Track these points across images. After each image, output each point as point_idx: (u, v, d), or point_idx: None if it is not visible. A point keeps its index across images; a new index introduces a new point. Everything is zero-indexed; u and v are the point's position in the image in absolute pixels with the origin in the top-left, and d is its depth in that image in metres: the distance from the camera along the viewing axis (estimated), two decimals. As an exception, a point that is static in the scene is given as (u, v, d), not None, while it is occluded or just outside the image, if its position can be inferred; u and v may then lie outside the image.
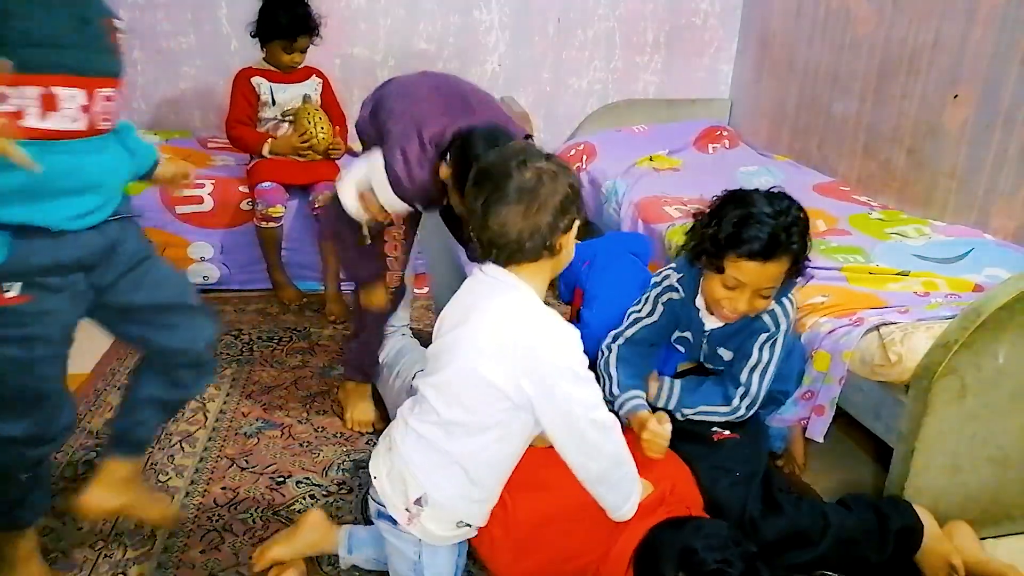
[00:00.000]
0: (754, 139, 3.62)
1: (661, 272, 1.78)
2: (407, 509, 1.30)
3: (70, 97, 1.19)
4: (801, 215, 1.53)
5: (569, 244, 1.29)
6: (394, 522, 1.33)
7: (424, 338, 2.28)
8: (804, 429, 1.86)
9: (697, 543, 1.33)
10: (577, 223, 1.28)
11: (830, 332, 1.80)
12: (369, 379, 2.13)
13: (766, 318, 1.64)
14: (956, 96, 2.49)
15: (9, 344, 1.25)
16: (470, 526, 1.36)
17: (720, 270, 1.53)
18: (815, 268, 2.11)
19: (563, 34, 3.60)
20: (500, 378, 1.23)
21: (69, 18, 1.18)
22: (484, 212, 1.23)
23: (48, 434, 1.38)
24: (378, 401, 2.15)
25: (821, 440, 1.81)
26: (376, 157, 1.80)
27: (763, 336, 1.65)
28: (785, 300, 1.65)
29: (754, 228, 1.46)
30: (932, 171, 2.61)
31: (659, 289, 1.76)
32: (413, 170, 1.74)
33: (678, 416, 1.72)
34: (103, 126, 1.28)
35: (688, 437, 1.67)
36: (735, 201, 1.53)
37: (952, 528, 1.65)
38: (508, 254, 1.25)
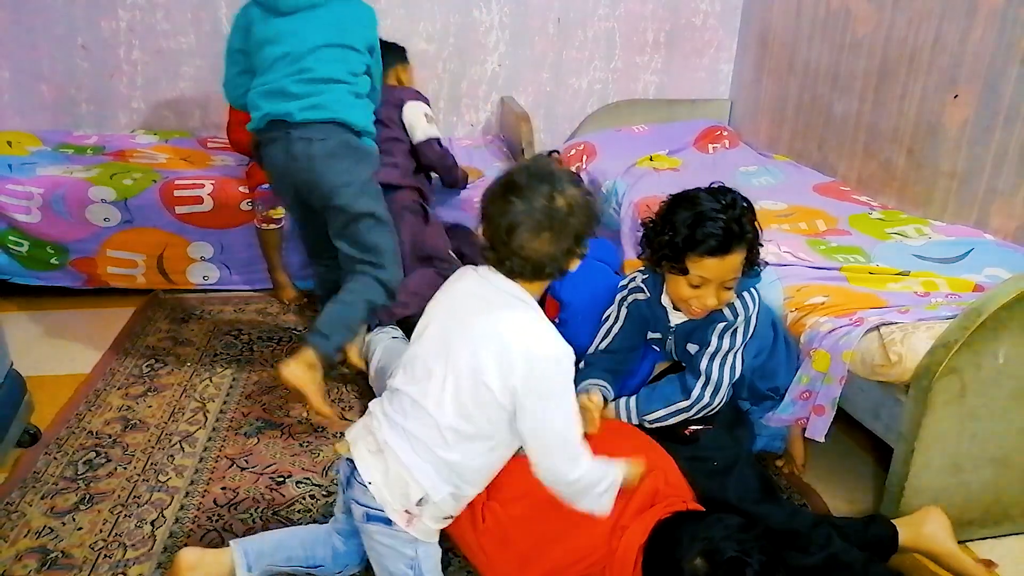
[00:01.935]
0: (754, 139, 3.62)
1: (626, 277, 1.84)
2: (407, 511, 1.30)
3: None
4: (746, 204, 1.60)
5: (573, 267, 1.32)
6: (387, 523, 1.31)
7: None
8: (803, 429, 1.86)
9: (716, 533, 1.34)
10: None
11: (830, 332, 1.80)
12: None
13: (726, 311, 1.68)
14: (956, 96, 2.49)
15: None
16: (451, 517, 1.39)
17: (684, 271, 1.58)
18: (815, 268, 2.13)
19: (563, 34, 3.60)
20: (502, 391, 1.25)
21: None
22: (511, 229, 1.24)
23: None
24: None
25: (822, 440, 1.81)
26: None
27: (721, 325, 1.69)
28: (746, 293, 1.69)
29: (707, 226, 1.53)
30: (932, 171, 2.62)
31: (624, 292, 1.83)
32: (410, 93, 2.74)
33: (646, 426, 1.76)
34: None
35: (662, 436, 1.69)
36: (683, 204, 1.60)
37: (926, 515, 1.65)
38: (523, 272, 1.28)
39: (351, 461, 1.35)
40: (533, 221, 1.23)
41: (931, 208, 2.62)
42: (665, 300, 1.75)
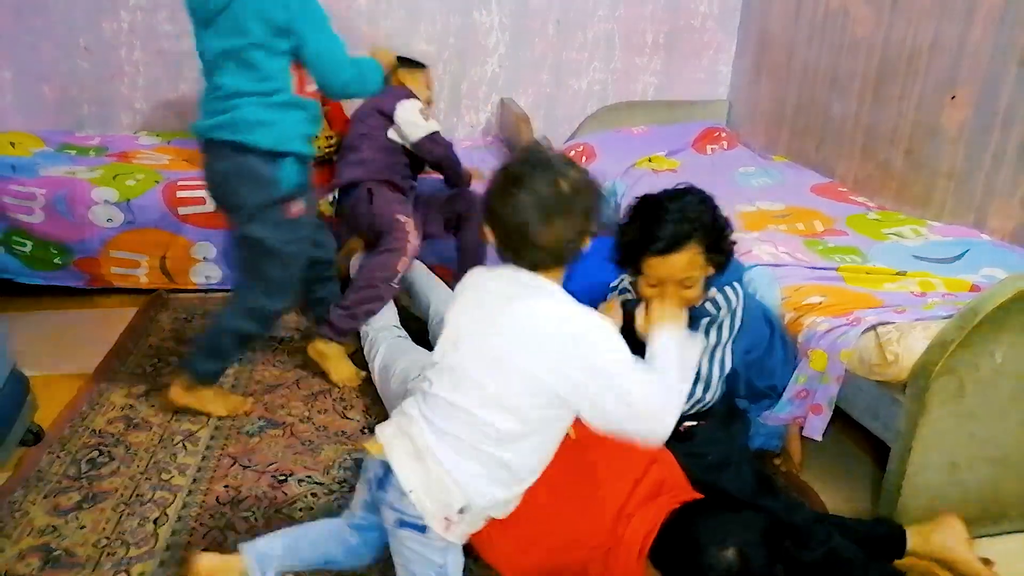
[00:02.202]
0: (752, 140, 3.63)
1: (619, 277, 1.85)
2: (446, 518, 1.28)
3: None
4: (701, 203, 1.61)
5: (587, 246, 1.33)
6: (422, 530, 1.29)
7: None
8: (801, 428, 1.87)
9: (752, 535, 1.36)
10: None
11: (827, 332, 1.81)
12: (344, 342, 2.39)
13: (709, 306, 1.70)
14: (954, 97, 2.51)
15: (297, 243, 2.01)
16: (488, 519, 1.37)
17: (640, 271, 1.61)
18: (813, 268, 2.14)
19: (563, 35, 3.61)
20: (555, 378, 1.24)
21: None
22: (523, 223, 1.24)
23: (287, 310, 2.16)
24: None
25: (820, 439, 1.82)
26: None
27: (705, 320, 1.70)
28: (728, 288, 1.70)
29: (656, 226, 1.55)
30: (930, 172, 2.63)
31: (615, 293, 1.84)
32: (404, 92, 2.66)
33: None
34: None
35: None
36: (641, 206, 1.63)
37: (939, 522, 1.66)
38: (544, 262, 1.28)
39: (385, 464, 1.30)
40: (543, 210, 1.24)
41: (928, 209, 2.63)
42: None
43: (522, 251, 1.27)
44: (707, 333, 1.70)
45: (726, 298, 1.69)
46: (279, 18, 1.82)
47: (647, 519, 1.44)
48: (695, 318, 1.71)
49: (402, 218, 2.43)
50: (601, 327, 1.25)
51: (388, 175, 2.58)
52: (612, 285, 1.86)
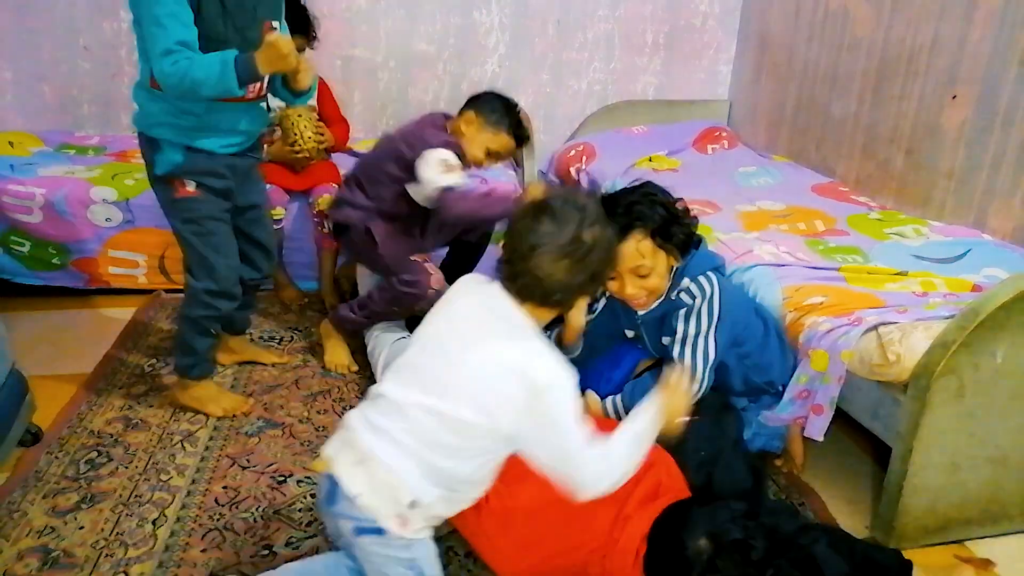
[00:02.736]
0: (753, 140, 3.63)
1: None
2: (399, 515, 1.28)
3: None
4: (648, 196, 1.66)
5: (581, 304, 1.33)
6: (380, 532, 1.29)
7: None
8: (802, 429, 1.87)
9: (722, 517, 1.36)
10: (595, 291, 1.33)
11: (828, 332, 1.81)
12: (351, 336, 2.42)
13: (684, 296, 1.73)
14: (954, 97, 2.50)
15: (196, 223, 1.95)
16: (442, 518, 1.38)
17: None
18: (814, 268, 2.14)
19: (563, 35, 3.61)
20: (504, 418, 1.25)
21: (232, 27, 1.80)
22: (533, 247, 1.25)
23: (224, 291, 2.02)
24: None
25: (821, 439, 1.81)
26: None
27: (683, 311, 1.72)
28: (701, 277, 1.73)
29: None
30: (930, 171, 2.62)
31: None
32: (445, 142, 2.17)
33: None
34: (252, 96, 1.89)
35: None
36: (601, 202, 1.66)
37: None
38: (533, 294, 1.28)
39: (331, 477, 1.31)
40: (556, 246, 1.25)
41: (929, 208, 2.62)
42: None
43: (519, 274, 1.27)
44: (686, 322, 1.71)
45: (700, 287, 1.72)
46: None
47: (643, 522, 1.44)
48: (674, 309, 1.72)
49: (418, 257, 2.27)
50: (564, 386, 1.25)
51: (391, 208, 2.26)
52: None
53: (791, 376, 1.87)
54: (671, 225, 1.67)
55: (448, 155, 2.12)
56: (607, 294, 1.85)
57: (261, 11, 1.88)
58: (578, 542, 1.45)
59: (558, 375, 1.25)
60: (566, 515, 1.44)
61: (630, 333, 1.88)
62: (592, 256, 1.27)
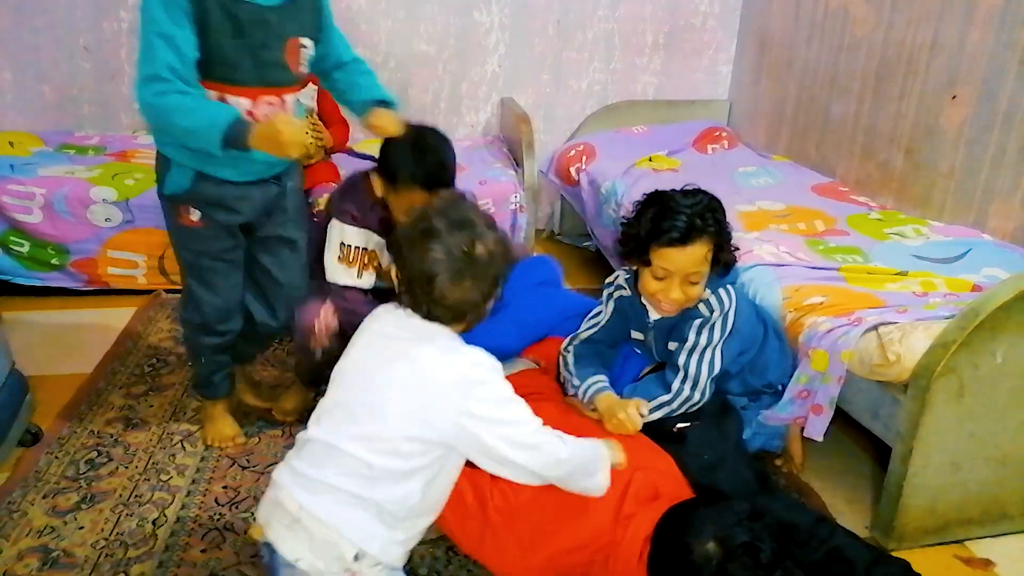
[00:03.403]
0: (753, 140, 3.63)
1: (614, 274, 1.87)
2: (347, 570, 1.23)
3: (237, 103, 1.61)
4: (714, 203, 1.65)
5: (488, 309, 1.32)
6: None
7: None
8: (802, 428, 1.87)
9: (729, 519, 1.35)
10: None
11: (828, 332, 1.81)
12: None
13: (702, 307, 1.71)
14: (954, 96, 2.50)
15: (192, 255, 1.81)
16: (399, 561, 1.33)
17: (647, 263, 1.64)
18: (814, 268, 2.13)
19: (563, 35, 3.61)
20: (439, 424, 1.23)
21: (244, 47, 1.58)
22: (431, 278, 1.22)
23: (207, 325, 1.89)
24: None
25: (821, 439, 1.81)
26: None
27: (698, 321, 1.71)
28: (721, 290, 1.71)
29: (670, 218, 1.59)
30: (930, 171, 2.62)
31: (611, 288, 1.86)
32: (358, 210, 1.92)
33: None
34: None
35: (650, 435, 1.69)
36: (652, 200, 1.66)
37: None
38: (442, 318, 1.27)
39: (268, 545, 1.26)
40: (454, 269, 1.22)
41: (929, 208, 2.62)
42: (645, 298, 1.78)
43: (421, 302, 1.26)
44: (698, 333, 1.70)
45: (719, 300, 1.70)
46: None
47: (646, 522, 1.43)
48: (689, 318, 1.71)
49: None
50: (492, 375, 1.25)
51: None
52: (608, 281, 1.87)
53: (790, 377, 1.87)
54: (726, 243, 1.67)
55: (351, 235, 1.91)
56: (614, 297, 1.84)
57: (288, 26, 1.63)
58: (581, 541, 1.45)
59: (483, 365, 1.25)
60: (568, 515, 1.44)
61: (637, 335, 1.87)
62: (491, 267, 1.26)
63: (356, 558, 1.22)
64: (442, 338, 1.28)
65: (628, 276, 1.81)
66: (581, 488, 1.38)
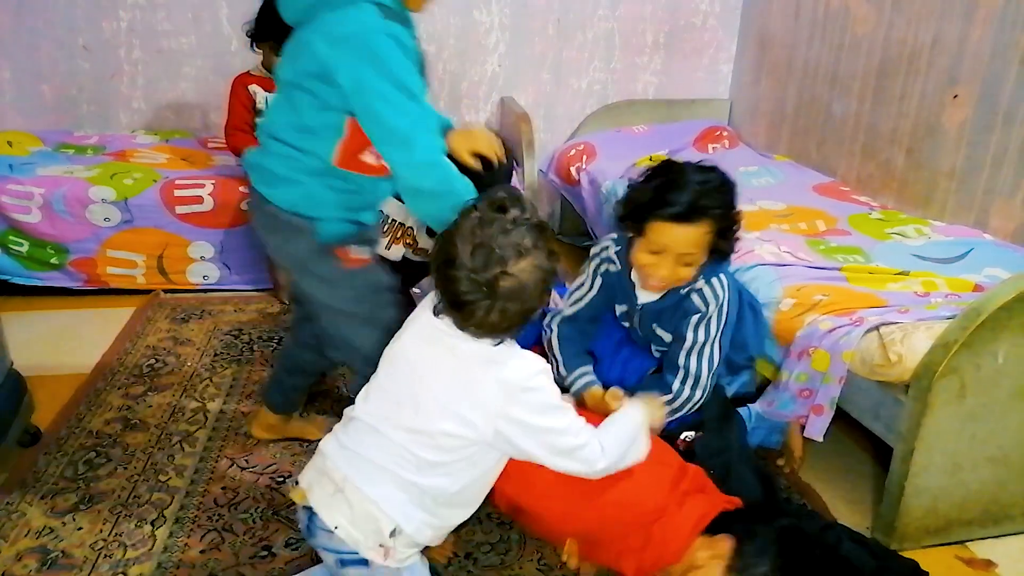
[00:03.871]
0: (753, 139, 3.62)
1: (600, 242, 1.77)
2: (381, 545, 1.25)
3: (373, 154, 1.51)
4: (726, 185, 1.56)
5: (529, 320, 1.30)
6: (364, 563, 1.26)
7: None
8: (802, 427, 1.86)
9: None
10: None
11: (830, 332, 1.80)
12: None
13: (696, 299, 1.65)
14: (955, 96, 2.50)
15: (365, 303, 1.62)
16: (423, 546, 1.34)
17: (641, 232, 1.55)
18: (815, 268, 2.13)
19: (563, 35, 3.60)
20: (483, 427, 1.23)
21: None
22: (461, 305, 1.19)
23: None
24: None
25: (821, 439, 1.81)
26: None
27: (695, 317, 1.67)
28: (715, 280, 1.66)
29: (676, 192, 1.50)
30: (931, 171, 2.62)
31: (597, 261, 1.77)
32: None
33: None
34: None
35: None
36: (664, 169, 1.57)
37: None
38: (483, 335, 1.24)
39: (308, 508, 1.28)
40: (483, 303, 1.18)
41: (930, 208, 2.62)
42: (635, 276, 1.72)
43: (467, 323, 1.22)
44: (695, 331, 1.68)
45: (713, 292, 1.66)
46: (320, 53, 1.37)
47: (701, 504, 1.41)
48: (686, 314, 1.69)
49: None
50: (540, 378, 1.24)
51: None
52: (594, 252, 1.79)
53: (766, 343, 1.84)
54: (732, 228, 1.58)
55: (393, 207, 2.05)
56: (600, 271, 1.76)
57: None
58: (635, 498, 1.41)
59: (528, 370, 1.24)
60: (623, 474, 1.40)
61: (621, 308, 1.80)
62: (527, 291, 1.20)
63: (392, 534, 1.24)
64: (488, 343, 1.26)
65: (619, 248, 1.73)
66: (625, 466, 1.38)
